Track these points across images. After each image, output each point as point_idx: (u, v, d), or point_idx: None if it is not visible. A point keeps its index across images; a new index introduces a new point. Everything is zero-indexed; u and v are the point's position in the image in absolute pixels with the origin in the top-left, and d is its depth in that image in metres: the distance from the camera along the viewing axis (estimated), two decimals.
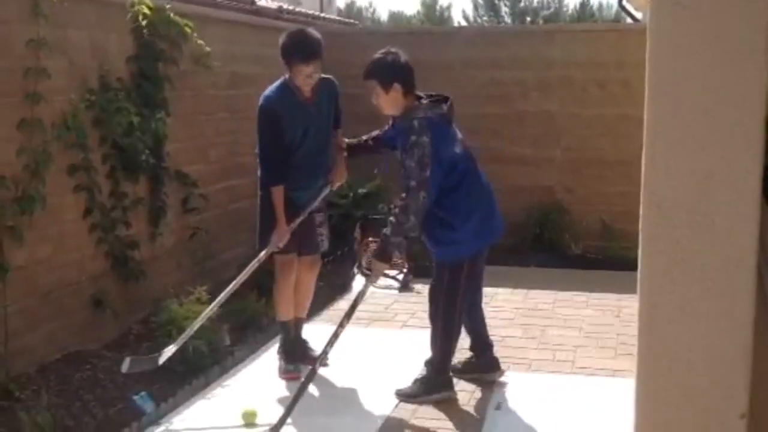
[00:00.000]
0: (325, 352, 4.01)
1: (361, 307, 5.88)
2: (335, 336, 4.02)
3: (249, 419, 3.98)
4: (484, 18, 38.28)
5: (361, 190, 7.23)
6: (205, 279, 5.58)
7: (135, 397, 4.08)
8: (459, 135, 4.06)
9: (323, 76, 4.44)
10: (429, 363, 4.23)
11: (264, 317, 5.36)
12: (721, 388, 1.71)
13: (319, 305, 5.89)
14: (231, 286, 4.52)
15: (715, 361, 1.71)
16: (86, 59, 4.78)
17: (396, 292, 6.31)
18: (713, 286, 1.69)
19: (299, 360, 4.61)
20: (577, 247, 7.25)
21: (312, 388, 4.37)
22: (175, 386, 4.30)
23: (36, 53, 4.31)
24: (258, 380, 4.55)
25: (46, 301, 4.51)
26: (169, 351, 4.34)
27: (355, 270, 6.73)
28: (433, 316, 4.18)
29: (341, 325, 4.05)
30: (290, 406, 3.76)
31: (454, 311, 4.11)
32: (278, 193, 4.38)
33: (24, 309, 4.33)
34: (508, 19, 37.30)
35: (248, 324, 5.24)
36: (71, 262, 4.69)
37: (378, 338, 5.23)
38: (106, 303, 4.88)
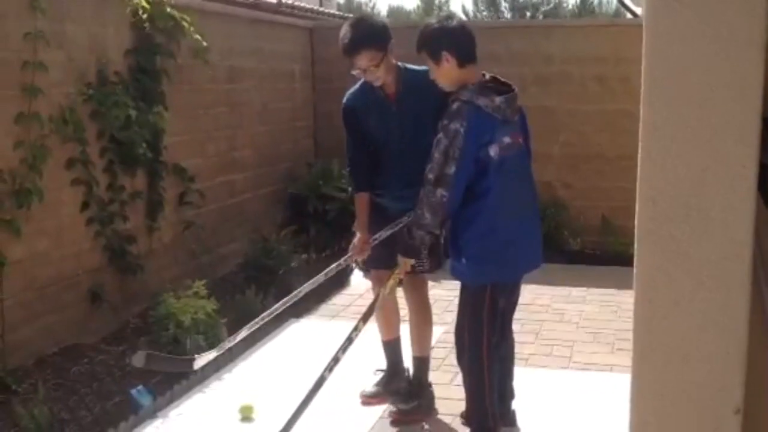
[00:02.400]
0: (336, 359, 3.58)
1: (357, 301, 5.93)
2: (349, 341, 3.61)
3: (246, 413, 3.99)
4: (484, 13, 38.26)
5: None
6: (202, 273, 5.58)
7: (132, 391, 4.08)
8: (508, 139, 3.34)
9: (413, 67, 3.79)
10: (467, 422, 3.67)
11: (262, 312, 5.35)
12: (716, 382, 1.71)
13: (315, 300, 5.90)
14: (300, 290, 4.22)
15: (710, 356, 1.71)
16: (84, 53, 4.77)
17: None
18: (708, 281, 1.68)
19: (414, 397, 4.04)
20: (575, 243, 7.26)
21: (306, 385, 4.37)
22: (172, 380, 4.30)
23: (33, 46, 4.30)
24: (255, 374, 4.55)
25: (44, 294, 4.51)
26: (207, 356, 4.08)
27: (353, 265, 6.71)
28: (459, 359, 3.59)
29: (356, 329, 3.64)
30: (296, 414, 3.46)
31: (480, 349, 3.46)
32: (360, 200, 3.92)
33: (21, 302, 4.33)
34: (507, 15, 37.28)
35: (246, 318, 5.23)
36: (69, 255, 4.69)
37: (373, 333, 5.22)
38: (103, 297, 4.88)
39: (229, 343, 4.13)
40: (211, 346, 4.62)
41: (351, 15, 15.40)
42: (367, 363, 4.67)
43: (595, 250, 7.19)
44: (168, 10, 5.30)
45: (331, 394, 4.23)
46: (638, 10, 9.64)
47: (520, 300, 3.81)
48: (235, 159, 6.68)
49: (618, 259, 6.56)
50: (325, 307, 5.86)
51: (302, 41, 7.93)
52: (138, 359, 3.91)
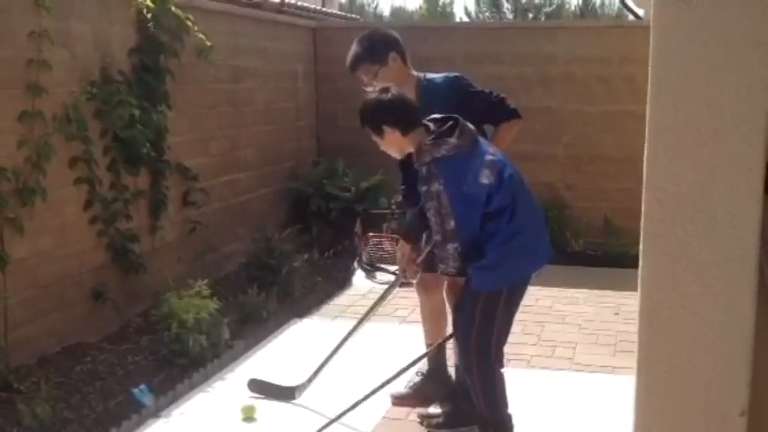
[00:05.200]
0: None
1: (360, 301, 5.93)
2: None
3: (248, 413, 3.99)
4: (486, 14, 38.23)
5: (363, 185, 7.23)
6: (205, 273, 5.58)
7: (135, 390, 4.08)
8: (490, 156, 3.35)
9: (431, 76, 3.89)
10: (483, 427, 3.62)
11: (263, 311, 5.36)
12: (721, 384, 1.71)
13: (317, 300, 5.91)
14: (369, 309, 4.21)
15: (716, 358, 1.71)
16: (88, 51, 4.77)
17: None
18: (714, 283, 1.69)
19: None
20: (577, 244, 7.25)
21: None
22: (174, 379, 4.31)
23: (38, 44, 4.30)
24: (257, 374, 4.54)
25: (47, 292, 4.50)
26: (304, 387, 4.21)
27: (356, 265, 6.72)
28: (465, 362, 3.53)
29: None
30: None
31: (489, 351, 3.43)
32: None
33: (24, 300, 4.32)
34: (510, 16, 37.25)
35: (248, 318, 5.25)
36: (72, 254, 4.69)
37: (376, 333, 5.22)
38: (106, 295, 4.88)
39: (319, 370, 4.21)
40: (212, 346, 4.63)
41: (353, 15, 15.42)
42: (366, 364, 4.68)
43: (597, 252, 7.19)
44: (172, 9, 5.30)
45: (333, 394, 4.23)
46: (640, 12, 9.63)
47: (522, 301, 3.83)
48: (238, 158, 6.68)
49: (620, 260, 6.57)
50: (327, 308, 5.85)
51: (305, 41, 7.94)
52: (251, 386, 4.27)
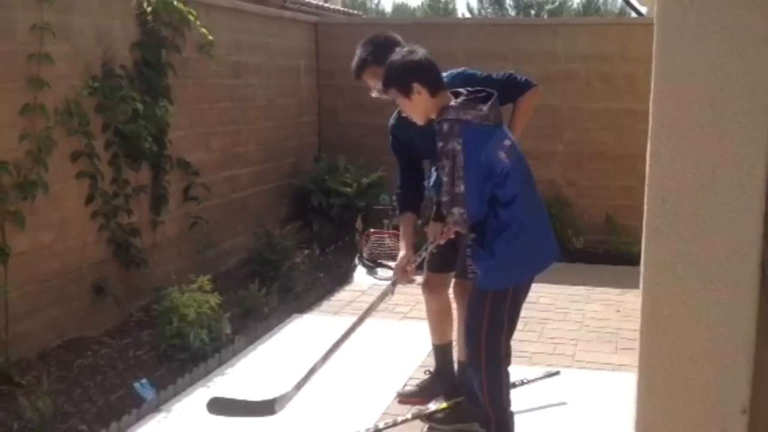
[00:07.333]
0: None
1: (361, 297, 5.93)
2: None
3: None
4: (488, 10, 38.23)
5: (364, 181, 7.23)
6: (206, 268, 5.59)
7: (135, 384, 4.09)
8: (508, 141, 3.32)
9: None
10: (484, 424, 3.58)
11: (264, 307, 5.37)
12: (722, 382, 1.71)
13: (317, 296, 5.91)
14: (355, 321, 3.92)
15: (717, 356, 1.71)
16: (90, 45, 4.77)
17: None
18: (716, 280, 1.69)
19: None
20: (578, 242, 7.26)
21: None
22: (175, 374, 4.31)
23: (39, 38, 4.30)
24: (258, 369, 4.56)
25: (47, 287, 4.51)
26: (286, 398, 3.61)
27: (356, 261, 6.73)
28: (474, 360, 3.47)
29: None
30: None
31: (499, 349, 3.43)
32: (404, 221, 3.88)
33: (25, 294, 4.33)
34: (512, 12, 37.24)
35: (249, 313, 5.25)
36: (73, 248, 4.69)
37: (378, 330, 5.23)
38: (107, 290, 4.88)
39: (303, 383, 3.73)
40: (213, 341, 4.63)
41: (355, 11, 15.40)
42: (367, 361, 4.68)
43: (599, 249, 7.19)
44: (174, 3, 5.30)
45: (335, 387, 4.24)
46: (643, 9, 9.63)
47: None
48: (239, 154, 6.68)
49: (621, 258, 6.57)
50: (328, 303, 5.86)
51: (307, 37, 7.93)
52: (212, 407, 3.53)
